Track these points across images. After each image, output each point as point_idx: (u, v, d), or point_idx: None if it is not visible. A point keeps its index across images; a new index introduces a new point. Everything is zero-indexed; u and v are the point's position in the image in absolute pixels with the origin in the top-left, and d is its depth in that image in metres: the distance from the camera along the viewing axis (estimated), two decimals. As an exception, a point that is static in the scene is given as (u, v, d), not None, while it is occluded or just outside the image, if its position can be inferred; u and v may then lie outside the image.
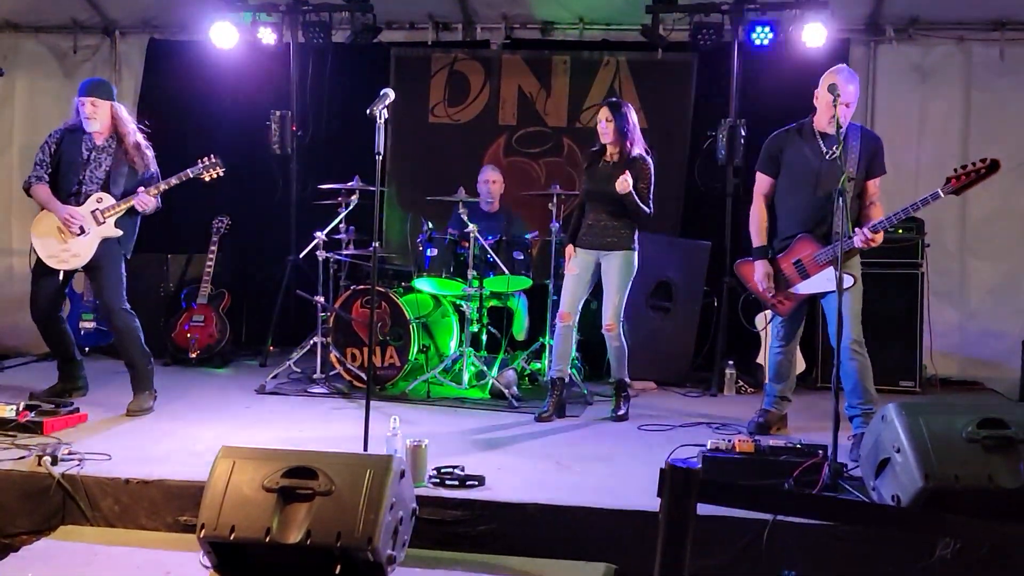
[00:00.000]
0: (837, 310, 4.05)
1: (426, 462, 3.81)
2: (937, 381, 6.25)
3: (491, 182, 6.38)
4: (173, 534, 3.63)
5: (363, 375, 5.53)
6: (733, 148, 6.34)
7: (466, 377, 5.63)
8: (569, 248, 5.22)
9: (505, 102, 7.33)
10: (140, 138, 5.06)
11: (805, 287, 4.54)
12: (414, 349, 5.64)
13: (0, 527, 3.73)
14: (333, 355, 5.77)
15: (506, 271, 5.57)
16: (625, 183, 4.87)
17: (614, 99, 5.28)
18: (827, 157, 4.43)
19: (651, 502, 1.90)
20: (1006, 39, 6.58)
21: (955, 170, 4.19)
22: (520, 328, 6.29)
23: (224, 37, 6.78)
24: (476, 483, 3.75)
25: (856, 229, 4.30)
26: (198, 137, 7.06)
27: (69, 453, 3.93)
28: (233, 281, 7.08)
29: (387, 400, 5.47)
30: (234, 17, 6.79)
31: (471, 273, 5.57)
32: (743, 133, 6.32)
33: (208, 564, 3.19)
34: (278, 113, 7.01)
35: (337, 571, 3.05)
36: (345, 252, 6.04)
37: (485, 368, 5.70)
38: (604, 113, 5.06)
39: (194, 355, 6.52)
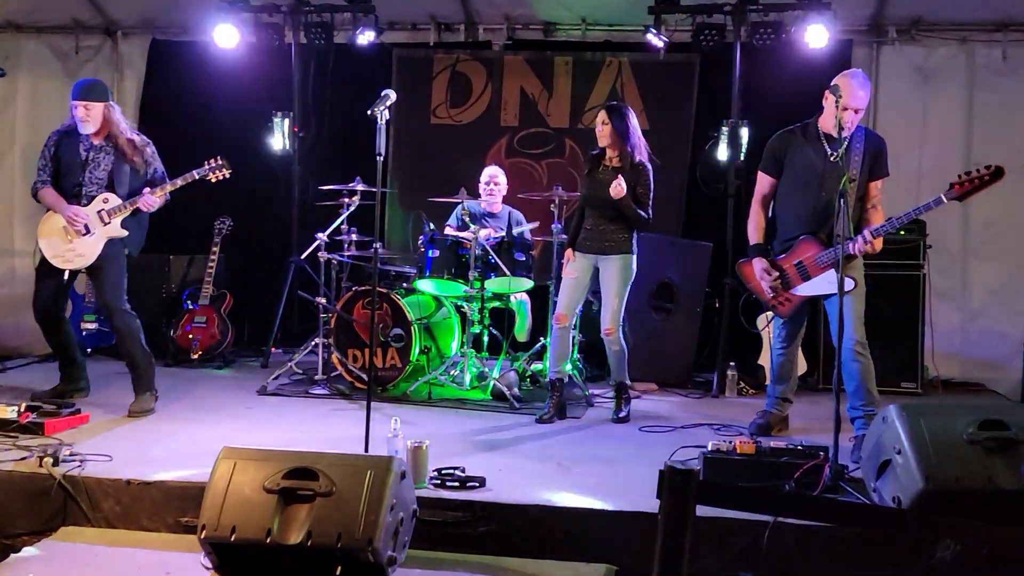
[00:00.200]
0: (838, 312, 4.04)
1: (427, 463, 3.81)
2: (939, 382, 6.24)
3: (493, 182, 6.38)
4: (174, 535, 3.63)
5: (364, 376, 5.53)
6: (735, 149, 6.34)
7: (467, 378, 5.63)
8: (568, 252, 5.22)
9: (507, 103, 7.33)
10: (135, 137, 5.06)
11: (806, 289, 4.53)
12: (415, 350, 5.64)
13: (1, 528, 3.73)
14: (334, 356, 5.77)
15: (507, 272, 5.57)
16: (619, 188, 4.88)
17: (614, 102, 5.28)
18: (831, 158, 4.43)
19: (652, 504, 1.90)
20: (1009, 40, 6.57)
21: (959, 176, 4.18)
22: (522, 329, 6.28)
23: (226, 38, 6.78)
24: (477, 484, 3.75)
25: (855, 236, 4.29)
26: (200, 138, 7.07)
27: (70, 454, 3.94)
28: (235, 282, 7.09)
29: (388, 401, 5.47)
30: (236, 18, 6.79)
31: (472, 274, 5.57)
32: (745, 134, 6.31)
33: (209, 565, 3.19)
34: (280, 114, 7.02)
35: (338, 572, 3.05)
36: (347, 253, 6.04)
37: (486, 369, 5.70)
38: (601, 116, 5.06)
39: (196, 356, 6.53)
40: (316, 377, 5.85)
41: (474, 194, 6.24)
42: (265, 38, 6.88)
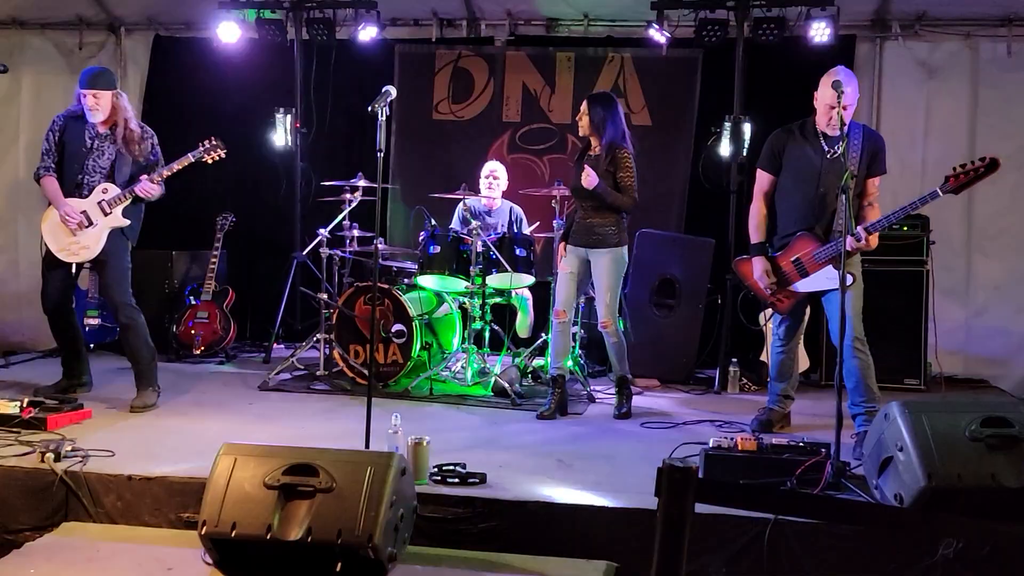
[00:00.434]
0: (839, 308, 4.03)
1: (428, 459, 3.81)
2: (942, 379, 6.22)
3: (492, 176, 6.37)
4: (176, 531, 3.63)
5: (366, 372, 5.53)
6: (737, 145, 6.33)
7: (469, 374, 5.63)
8: (560, 246, 5.22)
9: (509, 99, 7.32)
10: (139, 127, 5.05)
11: (804, 285, 4.53)
12: (417, 346, 5.64)
13: (3, 523, 3.74)
14: (336, 352, 5.77)
15: (508, 268, 5.56)
16: (589, 178, 4.89)
17: (596, 92, 5.27)
18: (828, 156, 4.42)
19: (653, 500, 1.89)
20: (1014, 35, 6.55)
21: (954, 169, 4.18)
22: (524, 325, 6.29)
23: (229, 34, 6.79)
24: (477, 481, 3.75)
25: (853, 230, 4.28)
26: (203, 134, 7.02)
27: (72, 449, 3.94)
28: (237, 278, 7.10)
29: (389, 397, 5.47)
30: (239, 14, 6.79)
31: (474, 270, 5.57)
32: (748, 130, 6.30)
33: (210, 561, 3.19)
34: (282, 110, 7.02)
35: (338, 569, 3.05)
36: (348, 249, 6.04)
37: (488, 365, 5.70)
38: (583, 106, 5.08)
39: (198, 351, 6.54)
40: (317, 373, 5.86)
41: (475, 191, 6.24)
42: (267, 34, 6.88)
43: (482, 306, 5.76)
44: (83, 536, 3.54)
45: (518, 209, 6.47)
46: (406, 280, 6.04)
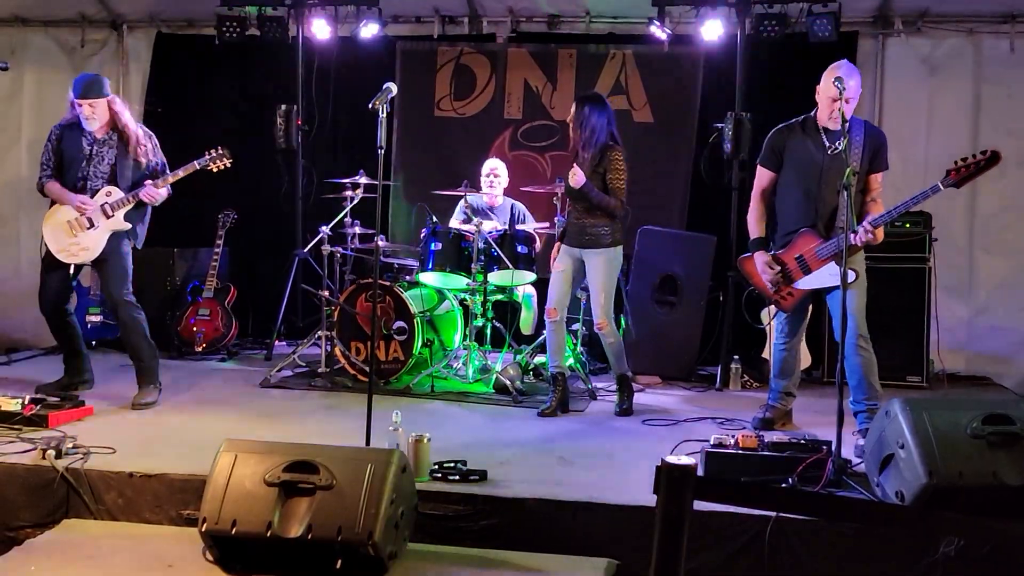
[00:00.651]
0: (841, 305, 4.02)
1: (428, 456, 3.81)
2: (944, 376, 6.21)
3: (493, 174, 6.37)
4: (176, 528, 3.64)
5: (367, 369, 5.53)
6: (739, 141, 6.31)
7: (470, 372, 5.63)
8: (556, 246, 5.23)
9: (511, 96, 7.31)
10: (138, 129, 5.05)
11: (807, 282, 4.51)
12: (418, 343, 5.64)
13: (4, 520, 3.75)
14: (337, 349, 5.77)
15: (510, 265, 5.56)
16: (575, 177, 4.89)
17: (584, 92, 5.26)
18: (830, 152, 4.41)
19: (653, 498, 1.89)
20: (1016, 32, 6.52)
21: (955, 163, 4.17)
22: (528, 322, 6.28)
23: (231, 31, 6.78)
24: (478, 478, 3.75)
25: (856, 226, 4.27)
26: (205, 131, 7.08)
27: (74, 446, 3.94)
28: (239, 275, 7.11)
29: (390, 394, 5.47)
30: (240, 11, 6.79)
31: (475, 267, 5.56)
32: (749, 127, 6.29)
33: (210, 558, 3.20)
34: (284, 107, 7.02)
35: (338, 566, 3.05)
36: (350, 246, 6.04)
37: (489, 363, 5.69)
38: (572, 108, 5.07)
39: (200, 348, 6.54)
40: (319, 370, 5.86)
41: (477, 188, 6.23)
42: (269, 31, 6.87)
43: (483, 303, 5.76)
44: (84, 533, 3.55)
45: (520, 205, 6.46)
46: (408, 277, 6.04)
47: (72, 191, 4.95)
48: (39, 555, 3.32)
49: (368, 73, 6.97)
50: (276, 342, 6.73)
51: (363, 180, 5.92)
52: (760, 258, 4.60)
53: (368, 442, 3.87)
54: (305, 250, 6.46)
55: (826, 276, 4.43)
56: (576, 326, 5.90)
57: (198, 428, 4.58)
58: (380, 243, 4.39)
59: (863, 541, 3.38)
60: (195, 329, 6.58)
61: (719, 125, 6.44)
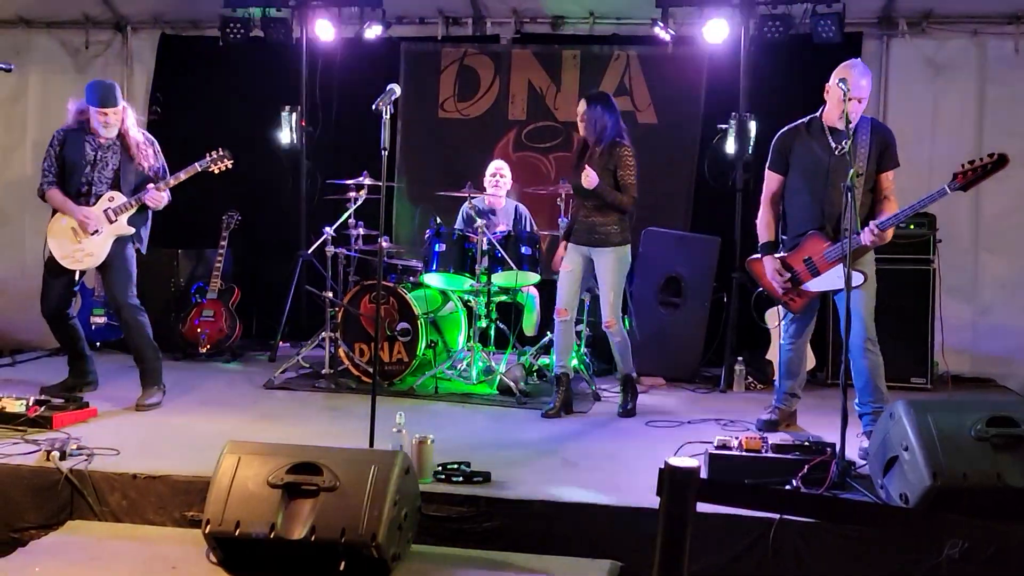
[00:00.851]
0: (846, 307, 4.01)
1: (432, 458, 3.81)
2: (949, 378, 6.18)
3: (499, 175, 6.37)
4: (180, 529, 3.64)
5: (371, 370, 5.53)
6: (743, 143, 6.31)
7: (474, 373, 5.63)
8: (561, 245, 5.22)
9: (515, 97, 7.31)
10: (141, 135, 5.07)
11: (816, 284, 4.50)
12: (422, 344, 5.64)
13: (8, 522, 3.75)
14: (341, 350, 5.77)
15: (513, 266, 5.56)
16: (588, 178, 4.89)
17: (592, 91, 5.26)
18: (836, 152, 4.40)
19: (657, 499, 1.89)
20: (1021, 33, 6.52)
21: (962, 166, 4.16)
22: (530, 323, 6.28)
23: (235, 32, 6.79)
24: (482, 479, 3.75)
25: (863, 229, 4.26)
26: (209, 132, 7.08)
27: (78, 448, 3.95)
28: (243, 276, 7.11)
29: (394, 395, 5.47)
30: (244, 12, 6.80)
31: (479, 268, 5.56)
32: (753, 128, 6.28)
33: (214, 559, 3.20)
34: (288, 108, 7.03)
35: (341, 567, 3.06)
36: (354, 247, 6.04)
37: (493, 364, 5.69)
38: (580, 107, 5.08)
39: (204, 350, 6.54)
40: (323, 371, 5.86)
41: (480, 189, 6.23)
42: (273, 32, 6.88)
43: (487, 304, 5.76)
44: (88, 534, 3.55)
45: (523, 208, 6.46)
46: (411, 278, 6.04)
47: (76, 196, 4.96)
48: (43, 556, 3.33)
49: (372, 74, 6.97)
50: (280, 343, 6.73)
51: (367, 181, 5.92)
52: (770, 264, 4.58)
53: (372, 444, 3.87)
54: (309, 251, 6.47)
55: (835, 278, 4.41)
56: (580, 327, 5.90)
57: (202, 429, 4.59)
58: (384, 244, 4.39)
59: (867, 543, 3.37)
60: (199, 330, 6.59)
61: (723, 126, 6.43)
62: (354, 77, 7.23)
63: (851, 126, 4.17)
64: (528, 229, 6.18)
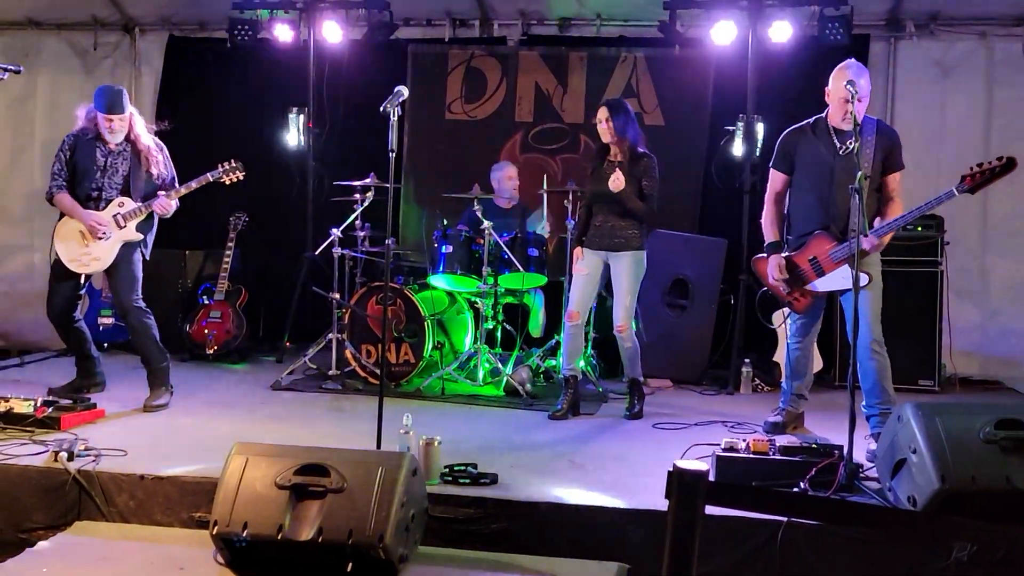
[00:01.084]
0: (853, 309, 4.00)
1: (439, 459, 3.81)
2: (956, 380, 6.18)
3: (510, 178, 6.37)
4: (187, 530, 3.64)
5: (378, 371, 5.53)
6: (750, 145, 6.30)
7: (481, 374, 5.63)
8: (577, 249, 5.22)
9: (522, 99, 7.31)
10: (151, 141, 5.08)
11: (821, 284, 4.50)
12: (429, 346, 5.64)
13: (16, 522, 3.76)
14: (348, 352, 5.78)
15: (520, 268, 5.56)
16: (618, 181, 4.89)
17: (613, 98, 5.28)
18: (841, 153, 4.40)
19: (664, 501, 1.89)
20: (1028, 34, 6.51)
21: (970, 168, 4.15)
22: (537, 325, 6.28)
23: (242, 34, 6.81)
24: (489, 481, 3.75)
25: (868, 231, 4.25)
26: (216, 133, 7.13)
27: (85, 449, 3.96)
28: (250, 277, 7.11)
29: (401, 397, 5.47)
30: (252, 14, 6.81)
31: (486, 270, 5.57)
32: (761, 129, 6.27)
33: (221, 560, 3.20)
34: (295, 110, 7.04)
35: (349, 569, 3.05)
36: (361, 249, 6.05)
37: (500, 365, 5.70)
38: (602, 113, 5.06)
39: (211, 351, 6.55)
40: (329, 373, 5.87)
41: (488, 191, 6.23)
42: (280, 34, 6.89)
43: (494, 306, 5.76)
44: (95, 535, 3.55)
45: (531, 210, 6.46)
46: (418, 280, 6.04)
47: (86, 201, 4.97)
48: (51, 557, 3.33)
49: (379, 76, 6.98)
50: (287, 344, 6.73)
51: (373, 183, 5.93)
52: (773, 262, 4.59)
53: (379, 445, 3.88)
54: (316, 253, 6.47)
55: (840, 279, 4.41)
56: (587, 329, 5.89)
57: (209, 430, 4.59)
58: (391, 245, 4.39)
59: (875, 546, 3.36)
60: (207, 332, 6.60)
61: (730, 128, 6.43)
62: (361, 79, 7.24)
63: (856, 129, 4.16)
64: (536, 230, 6.17)
